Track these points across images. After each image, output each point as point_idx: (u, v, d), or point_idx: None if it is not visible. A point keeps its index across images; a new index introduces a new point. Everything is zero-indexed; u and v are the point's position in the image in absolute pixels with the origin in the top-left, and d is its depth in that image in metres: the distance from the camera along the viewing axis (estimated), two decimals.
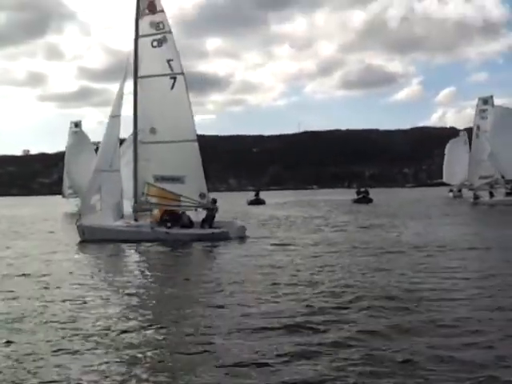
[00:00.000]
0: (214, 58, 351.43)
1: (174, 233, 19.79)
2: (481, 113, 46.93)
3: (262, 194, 59.50)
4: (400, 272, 11.95)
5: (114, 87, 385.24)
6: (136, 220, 21.27)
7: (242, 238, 19.79)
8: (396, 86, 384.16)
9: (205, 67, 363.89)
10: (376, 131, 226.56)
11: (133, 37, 21.67)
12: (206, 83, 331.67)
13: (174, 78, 20.99)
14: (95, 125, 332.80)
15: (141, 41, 21.50)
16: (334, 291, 9.99)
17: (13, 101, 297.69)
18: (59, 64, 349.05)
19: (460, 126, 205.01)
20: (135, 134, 21.58)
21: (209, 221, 20.82)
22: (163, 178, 21.10)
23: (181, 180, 20.95)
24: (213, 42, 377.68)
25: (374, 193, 53.68)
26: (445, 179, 67.47)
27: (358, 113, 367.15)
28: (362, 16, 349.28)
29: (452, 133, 77.87)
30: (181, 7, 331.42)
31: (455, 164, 62.11)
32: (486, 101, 47.31)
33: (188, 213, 21.31)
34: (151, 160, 21.14)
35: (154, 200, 21.34)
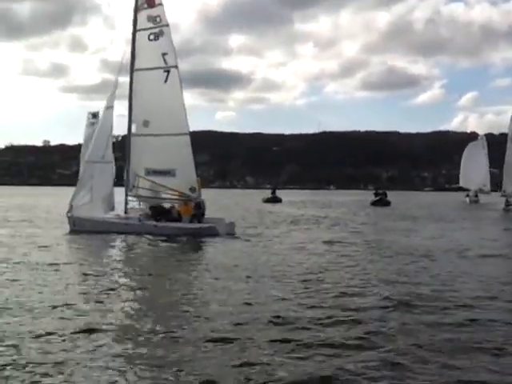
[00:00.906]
0: (236, 56, 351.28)
1: (161, 226, 19.79)
2: None
3: (279, 193, 59.25)
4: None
5: None
6: (126, 212, 21.34)
7: (230, 235, 19.75)
8: (418, 88, 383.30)
9: (228, 64, 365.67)
10: (396, 133, 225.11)
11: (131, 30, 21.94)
12: (229, 80, 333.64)
13: (168, 71, 21.14)
14: (116, 117, 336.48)
15: (138, 34, 21.73)
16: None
17: (35, 91, 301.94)
18: (82, 56, 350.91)
19: (481, 131, 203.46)
20: (129, 126, 21.69)
21: (198, 216, 20.76)
22: (154, 172, 21.18)
23: (172, 173, 21.04)
24: (236, 39, 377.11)
25: (391, 195, 53.06)
26: (461, 183, 66.62)
27: (379, 115, 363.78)
28: (387, 17, 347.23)
29: (472, 138, 77.13)
30: (205, 3, 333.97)
31: (472, 168, 61.47)
32: None
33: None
34: (144, 153, 21.21)
35: (143, 193, 21.40)
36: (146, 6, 21.53)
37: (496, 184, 44.91)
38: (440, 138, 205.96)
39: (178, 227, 19.99)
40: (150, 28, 21.45)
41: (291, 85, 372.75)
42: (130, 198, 21.44)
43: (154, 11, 21.53)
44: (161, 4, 21.66)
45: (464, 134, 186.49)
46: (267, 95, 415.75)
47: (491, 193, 63.93)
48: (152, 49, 21.40)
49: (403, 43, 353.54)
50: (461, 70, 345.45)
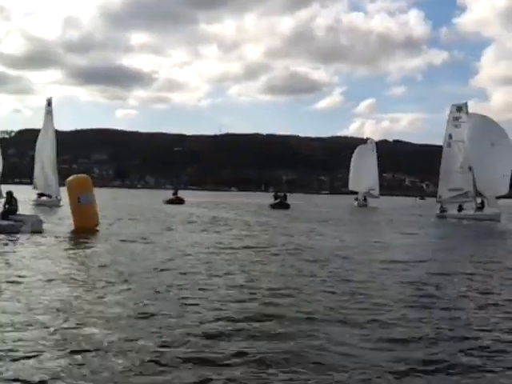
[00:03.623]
0: (139, 53, 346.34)
1: None
2: (454, 121, 42.13)
3: (181, 193, 58.56)
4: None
5: (31, 75, 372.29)
6: None
7: (37, 232, 19.24)
8: (319, 94, 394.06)
9: (129, 61, 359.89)
10: (297, 137, 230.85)
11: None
12: (130, 78, 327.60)
13: None
14: (10, 112, 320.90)
15: None
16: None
17: None
18: None
19: (376, 137, 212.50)
20: None
21: (7, 213, 20.42)
22: None
23: None
24: (138, 37, 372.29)
25: (290, 198, 53.81)
26: (350, 187, 66.86)
27: (281, 118, 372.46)
28: (290, 23, 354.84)
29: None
30: None
31: (361, 172, 62.09)
32: (461, 108, 42.41)
33: None
34: None
35: None
36: None
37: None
38: (338, 142, 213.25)
39: None
40: None
41: (194, 85, 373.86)
42: None
43: None
44: None
45: (360, 139, 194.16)
46: (170, 95, 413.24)
47: (380, 196, 65.55)
48: None
49: (305, 49, 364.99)
50: (359, 78, 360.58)
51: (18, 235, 18.26)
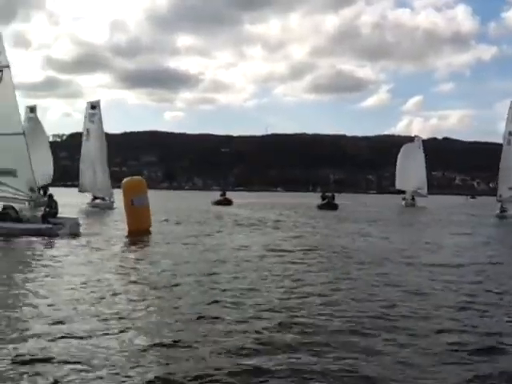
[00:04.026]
0: (185, 56, 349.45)
1: (5, 227, 19.54)
2: None
3: (228, 194, 59.01)
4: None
5: (80, 79, 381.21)
6: None
7: (75, 235, 19.64)
8: (365, 92, 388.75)
9: (176, 64, 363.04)
10: (343, 136, 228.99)
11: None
12: (177, 80, 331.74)
13: (1, 71, 21.40)
14: (60, 116, 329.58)
15: None
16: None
17: None
18: (25, 53, 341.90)
19: (425, 135, 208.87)
20: None
21: (48, 216, 20.87)
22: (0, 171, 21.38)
23: (13, 173, 21.30)
24: (185, 39, 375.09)
25: (338, 198, 53.26)
26: (397, 186, 65.51)
27: (327, 117, 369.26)
28: (335, 21, 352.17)
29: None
30: (153, 1, 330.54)
31: (408, 170, 60.88)
32: None
33: None
34: None
35: None
36: None
37: None
38: (385, 141, 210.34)
39: (15, 228, 19.69)
40: None
41: (240, 86, 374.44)
42: None
43: None
44: None
45: (408, 137, 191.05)
46: (216, 96, 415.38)
47: (428, 196, 64.18)
48: None
49: (351, 47, 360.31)
50: (406, 75, 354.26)
51: (61, 239, 18.62)
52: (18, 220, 20.53)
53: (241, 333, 7.28)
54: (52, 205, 21.58)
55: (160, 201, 55.31)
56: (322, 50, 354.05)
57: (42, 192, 44.59)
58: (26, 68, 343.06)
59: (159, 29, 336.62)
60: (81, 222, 21.99)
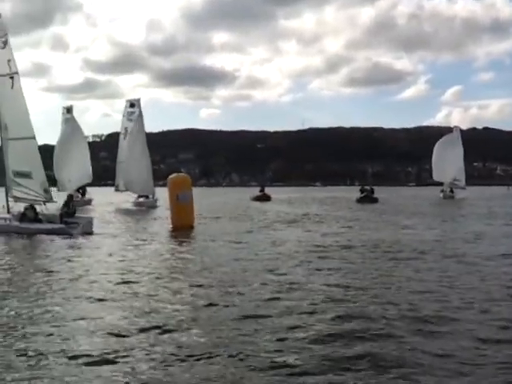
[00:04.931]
0: (220, 53, 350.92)
1: (22, 226, 20.87)
2: None
3: (266, 190, 58.76)
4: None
5: (118, 79, 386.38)
6: (8, 212, 22.28)
7: (88, 234, 20.34)
8: (402, 84, 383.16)
9: (211, 61, 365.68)
10: (381, 129, 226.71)
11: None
12: (213, 77, 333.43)
13: (12, 78, 22.41)
14: (99, 117, 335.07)
15: None
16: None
17: None
18: (64, 55, 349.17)
19: (464, 125, 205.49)
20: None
21: (65, 216, 21.70)
22: (18, 173, 22.48)
23: (29, 175, 22.30)
24: (219, 36, 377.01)
25: (377, 191, 52.82)
26: (434, 177, 64.38)
27: (364, 110, 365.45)
28: (371, 12, 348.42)
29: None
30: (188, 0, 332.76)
31: (446, 161, 59.66)
32: None
33: None
34: (10, 156, 22.54)
35: (16, 194, 22.50)
36: None
37: None
38: (424, 132, 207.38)
39: (34, 228, 20.81)
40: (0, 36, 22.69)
41: (276, 81, 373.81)
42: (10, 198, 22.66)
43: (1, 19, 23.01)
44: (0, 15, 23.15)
45: (448, 128, 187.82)
46: (252, 92, 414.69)
47: (466, 187, 62.48)
48: (1, 56, 22.47)
49: (387, 39, 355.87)
50: (444, 65, 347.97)
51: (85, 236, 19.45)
52: (37, 220, 21.53)
53: (312, 324, 7.55)
54: (70, 204, 22.71)
55: (199, 197, 55.56)
56: (357, 43, 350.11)
57: (80, 193, 45.84)
58: (65, 70, 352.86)
59: (194, 27, 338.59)
60: (95, 220, 22.74)
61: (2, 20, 22.98)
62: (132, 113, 46.10)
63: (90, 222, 21.94)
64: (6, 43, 22.44)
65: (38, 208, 22.09)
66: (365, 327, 7.38)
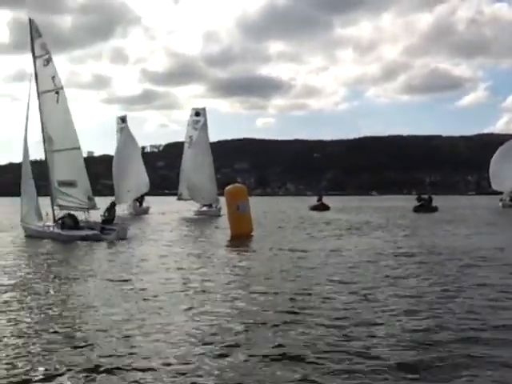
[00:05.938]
0: (276, 62, 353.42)
1: (63, 234, 22.17)
2: None
3: (323, 199, 58.12)
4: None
5: (176, 90, 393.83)
6: (54, 221, 23.46)
7: (122, 239, 21.43)
8: (461, 91, 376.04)
9: (267, 71, 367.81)
10: (439, 137, 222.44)
11: (31, 58, 24.20)
12: (269, 87, 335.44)
13: (58, 93, 23.76)
14: (157, 127, 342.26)
15: (38, 61, 24.08)
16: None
17: (78, 103, 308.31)
18: (123, 67, 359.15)
19: None
20: (44, 143, 24.16)
21: (104, 223, 23.07)
22: (63, 183, 23.80)
23: (74, 184, 23.65)
24: (275, 46, 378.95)
25: (434, 200, 51.78)
26: (493, 186, 62.68)
27: (421, 118, 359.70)
28: (428, 19, 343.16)
29: None
30: (243, 10, 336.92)
31: (504, 169, 57.65)
32: None
33: None
34: (53, 166, 23.90)
35: (61, 202, 23.83)
36: (38, 35, 24.10)
37: None
38: (484, 140, 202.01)
39: (71, 235, 21.98)
40: (43, 55, 23.94)
41: (331, 90, 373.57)
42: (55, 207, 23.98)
43: (42, 39, 24.19)
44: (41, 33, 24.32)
45: (509, 135, 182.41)
46: (307, 101, 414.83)
47: None
48: (46, 73, 23.83)
49: (445, 45, 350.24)
50: (505, 71, 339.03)
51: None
52: (77, 227, 22.77)
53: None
54: (111, 212, 24.36)
55: (256, 207, 55.90)
56: (415, 49, 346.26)
57: (138, 203, 46.46)
58: (124, 82, 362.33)
59: (250, 37, 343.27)
60: (130, 227, 24.07)
61: (44, 40, 24.31)
62: (197, 121, 46.13)
63: (124, 228, 23.09)
64: (48, 61, 23.86)
65: (82, 215, 23.47)
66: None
